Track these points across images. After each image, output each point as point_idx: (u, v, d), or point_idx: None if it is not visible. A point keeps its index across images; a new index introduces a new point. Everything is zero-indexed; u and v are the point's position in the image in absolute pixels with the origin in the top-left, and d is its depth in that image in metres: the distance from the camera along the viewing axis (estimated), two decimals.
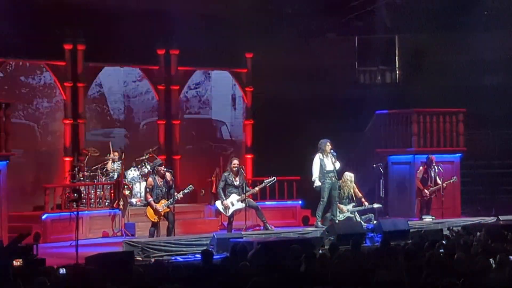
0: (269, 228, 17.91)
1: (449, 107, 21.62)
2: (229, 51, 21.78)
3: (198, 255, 13.03)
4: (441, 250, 11.84)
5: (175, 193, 16.89)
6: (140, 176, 19.70)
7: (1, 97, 19.00)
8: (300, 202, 20.73)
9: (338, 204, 18.51)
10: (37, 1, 19.76)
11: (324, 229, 17.50)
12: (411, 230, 17.43)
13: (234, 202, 17.75)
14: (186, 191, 17.08)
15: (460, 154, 21.41)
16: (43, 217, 17.77)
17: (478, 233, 15.48)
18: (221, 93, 22.65)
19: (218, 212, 18.69)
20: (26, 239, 14.13)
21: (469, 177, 22.60)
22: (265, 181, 18.33)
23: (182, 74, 21.67)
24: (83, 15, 19.92)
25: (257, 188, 18.45)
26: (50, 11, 19.51)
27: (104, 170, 19.52)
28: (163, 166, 17.19)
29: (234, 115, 22.80)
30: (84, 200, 18.16)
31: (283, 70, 22.26)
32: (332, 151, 18.08)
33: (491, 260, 10.30)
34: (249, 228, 18.36)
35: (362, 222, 18.45)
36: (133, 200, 19.46)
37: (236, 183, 17.82)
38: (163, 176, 16.90)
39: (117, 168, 19.46)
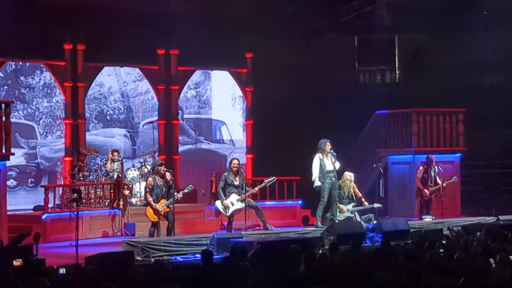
0: (269, 228, 17.90)
1: (449, 107, 21.64)
2: (229, 51, 21.79)
3: (198, 255, 13.02)
4: (441, 250, 11.84)
5: (175, 193, 16.89)
6: (140, 176, 19.71)
7: (1, 97, 19.04)
8: (300, 202, 20.73)
9: (338, 204, 18.50)
10: (37, 1, 19.76)
11: (324, 229, 17.49)
12: (411, 230, 17.42)
13: (234, 202, 17.75)
14: (186, 191, 17.08)
15: (460, 154, 21.43)
16: (43, 217, 17.76)
17: (478, 233, 15.48)
18: (221, 93, 22.66)
19: (218, 212, 18.69)
20: (26, 239, 14.12)
21: (469, 177, 22.61)
22: (265, 181, 18.32)
23: (182, 74, 21.69)
24: (83, 15, 19.93)
25: (257, 188, 18.44)
26: (50, 11, 19.51)
27: (103, 170, 19.52)
28: (163, 166, 17.19)
29: (234, 115, 22.80)
30: (84, 200, 18.16)
31: (283, 70, 22.25)
32: (332, 151, 18.08)
33: (491, 260, 10.30)
34: (249, 228, 18.36)
35: (362, 222, 18.45)
36: (133, 200, 19.46)
37: (236, 183, 17.82)
38: (163, 176, 16.89)
39: (116, 168, 19.47)
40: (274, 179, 18.43)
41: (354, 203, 18.87)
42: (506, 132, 24.39)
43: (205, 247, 15.12)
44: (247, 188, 18.02)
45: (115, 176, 19.24)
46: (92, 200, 18.79)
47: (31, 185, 20.16)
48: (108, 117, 21.33)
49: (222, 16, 21.48)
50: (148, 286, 9.44)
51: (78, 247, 14.20)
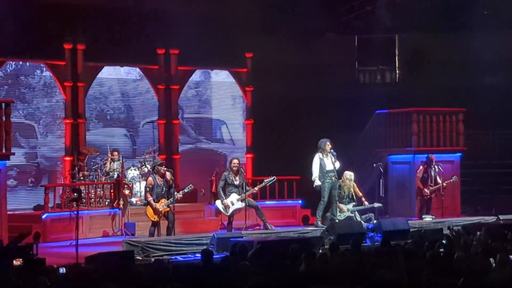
0: (269, 227, 17.91)
1: (449, 107, 21.64)
2: (229, 50, 21.79)
3: (198, 255, 13.03)
4: (441, 250, 11.84)
5: (175, 193, 16.90)
6: (140, 175, 19.72)
7: (1, 97, 19.03)
8: (300, 201, 20.73)
9: (338, 204, 18.51)
10: (37, 1, 19.76)
11: (324, 228, 17.50)
12: (411, 230, 17.42)
13: (234, 201, 17.75)
14: (186, 190, 17.09)
15: (460, 154, 21.43)
16: (43, 216, 17.76)
17: (478, 233, 15.46)
18: (221, 93, 22.65)
19: (218, 212, 18.70)
20: (26, 239, 14.13)
21: (469, 176, 22.60)
22: (265, 180, 18.33)
23: (182, 74, 21.68)
24: (83, 15, 19.94)
25: (257, 188, 18.45)
26: (50, 11, 19.52)
27: (103, 170, 19.52)
28: (163, 166, 17.19)
29: (234, 115, 22.80)
30: (84, 200, 18.16)
31: (283, 70, 22.26)
32: (332, 150, 18.09)
33: (491, 260, 10.30)
34: (249, 228, 18.36)
35: (362, 221, 18.45)
36: (133, 200, 19.46)
37: (236, 182, 17.83)
38: (163, 176, 16.90)
39: (116, 168, 19.48)
40: (274, 178, 18.43)
41: (354, 203, 18.87)
42: (506, 132, 24.39)
43: (205, 247, 15.13)
44: (247, 188, 18.02)
45: (115, 176, 19.25)
46: (92, 199, 18.80)
47: (31, 184, 20.16)
48: (108, 117, 21.32)
49: (222, 16, 21.48)
50: (148, 285, 9.44)
51: (78, 247, 14.20)
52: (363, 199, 18.94)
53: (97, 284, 9.07)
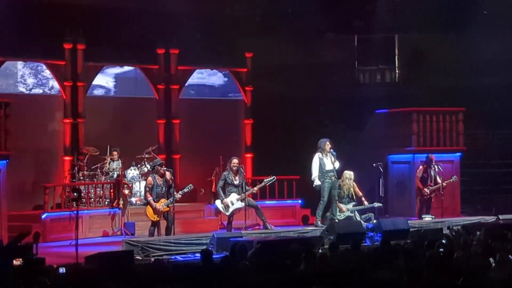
0: (269, 227, 17.91)
1: (449, 107, 21.63)
2: (229, 50, 21.79)
3: (198, 255, 13.02)
4: (441, 250, 11.83)
5: (175, 192, 16.90)
6: (140, 175, 19.72)
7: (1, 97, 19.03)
8: (299, 201, 20.74)
9: (338, 204, 18.51)
10: (37, 1, 19.76)
11: (324, 228, 17.50)
12: (411, 229, 17.41)
13: (233, 201, 17.75)
14: (185, 190, 17.10)
15: (460, 154, 21.42)
16: (43, 216, 17.78)
17: (478, 232, 15.45)
18: (220, 92, 22.64)
19: (217, 211, 18.71)
20: (25, 238, 14.13)
21: (469, 176, 22.60)
22: (265, 180, 18.33)
23: (181, 74, 21.68)
24: (83, 15, 19.93)
25: (256, 188, 18.45)
26: (50, 11, 19.51)
27: (103, 169, 19.52)
28: (163, 166, 17.20)
29: (234, 115, 22.78)
30: (84, 199, 18.16)
31: (283, 70, 22.25)
32: (331, 150, 18.10)
33: (491, 260, 10.30)
34: (249, 227, 18.37)
35: (362, 221, 18.45)
36: (133, 199, 19.47)
37: (236, 182, 17.83)
38: (162, 175, 16.91)
39: (116, 168, 19.48)
40: (274, 178, 18.44)
41: (354, 203, 18.87)
42: (506, 132, 24.37)
43: (205, 247, 15.14)
44: (247, 188, 18.03)
45: (115, 176, 19.25)
46: (92, 199, 18.81)
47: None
48: (108, 117, 21.26)
49: (222, 16, 21.47)
50: (148, 285, 9.45)
51: (78, 247, 14.22)
52: (363, 199, 18.94)
53: (97, 284, 9.07)
